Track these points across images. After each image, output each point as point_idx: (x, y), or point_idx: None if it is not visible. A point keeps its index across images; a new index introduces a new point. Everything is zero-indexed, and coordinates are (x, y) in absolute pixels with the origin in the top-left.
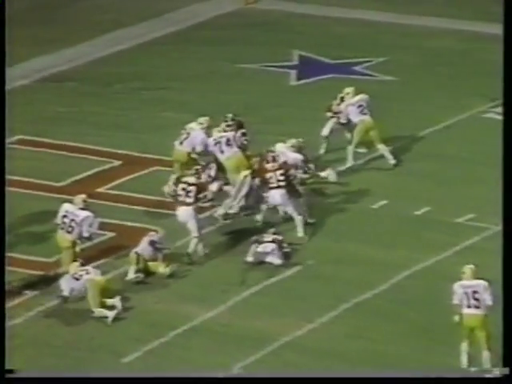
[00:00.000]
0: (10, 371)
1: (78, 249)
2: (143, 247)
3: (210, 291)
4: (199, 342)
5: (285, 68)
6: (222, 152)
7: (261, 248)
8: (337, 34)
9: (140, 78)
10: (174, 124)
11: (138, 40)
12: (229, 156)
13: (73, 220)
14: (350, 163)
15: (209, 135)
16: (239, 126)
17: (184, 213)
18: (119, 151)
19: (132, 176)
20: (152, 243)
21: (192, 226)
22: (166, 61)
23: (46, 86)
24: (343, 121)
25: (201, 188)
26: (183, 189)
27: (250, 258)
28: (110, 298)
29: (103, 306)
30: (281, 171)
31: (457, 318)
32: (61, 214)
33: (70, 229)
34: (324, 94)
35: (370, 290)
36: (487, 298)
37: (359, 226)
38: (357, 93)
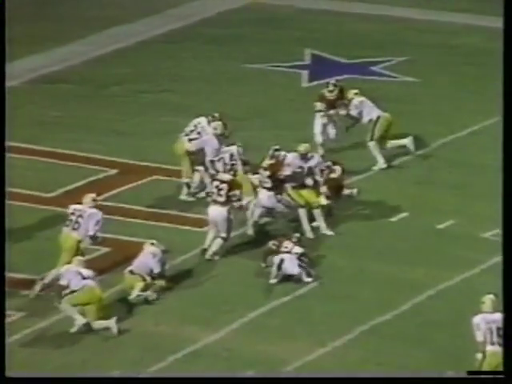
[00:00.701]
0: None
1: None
2: (140, 264)
3: (213, 312)
4: (201, 368)
5: (296, 68)
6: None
7: (282, 270)
8: (352, 32)
9: (140, 79)
10: (176, 129)
11: (138, 38)
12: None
13: (80, 216)
14: (381, 163)
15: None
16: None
17: (215, 212)
18: (115, 159)
19: (129, 186)
20: (149, 259)
21: (221, 226)
22: (168, 61)
23: (36, 87)
24: (354, 113)
25: (232, 185)
26: (216, 186)
27: (273, 281)
28: (104, 317)
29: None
30: (267, 172)
31: (480, 356)
32: (69, 211)
33: (76, 225)
34: None
35: (389, 311)
36: None
37: (377, 240)
38: (374, 94)
